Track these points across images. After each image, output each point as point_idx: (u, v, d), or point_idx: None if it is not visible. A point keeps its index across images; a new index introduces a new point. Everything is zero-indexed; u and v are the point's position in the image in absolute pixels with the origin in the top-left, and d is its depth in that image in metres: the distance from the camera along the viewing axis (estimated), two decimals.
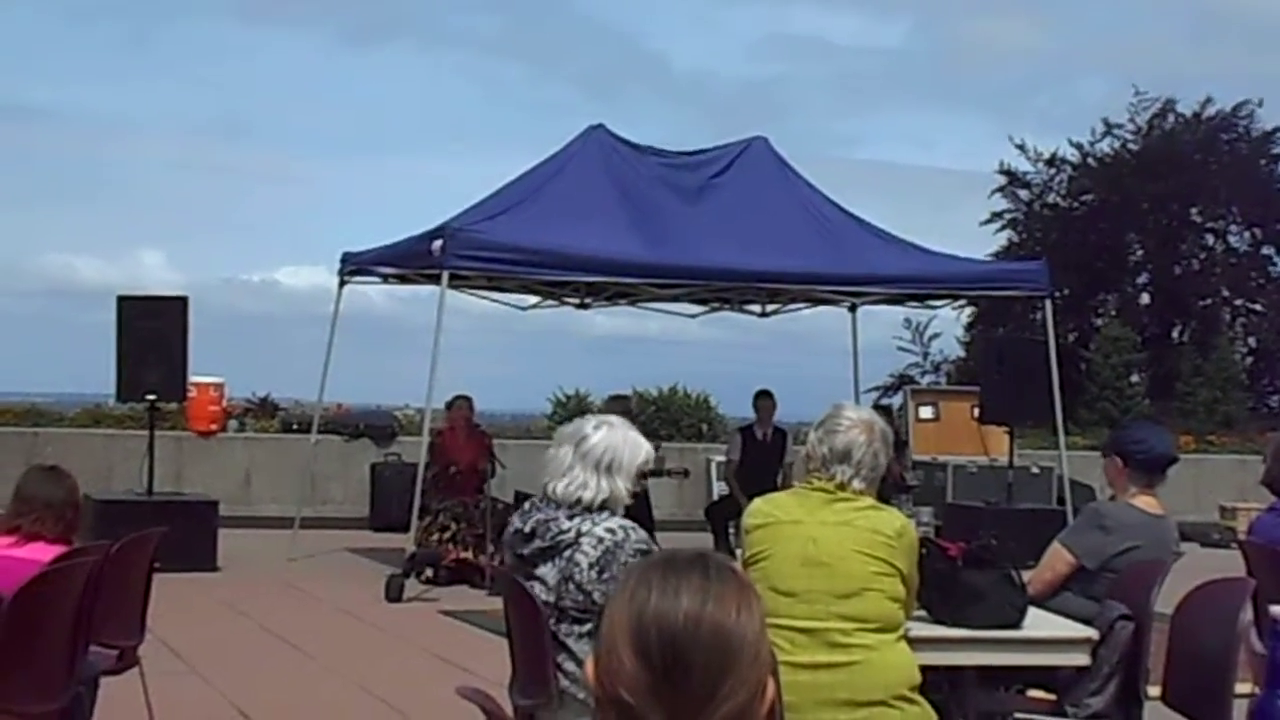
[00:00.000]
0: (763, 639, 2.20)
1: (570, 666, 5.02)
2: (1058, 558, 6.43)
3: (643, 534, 5.24)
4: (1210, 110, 32.15)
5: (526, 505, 5.36)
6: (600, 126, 15.42)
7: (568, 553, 5.11)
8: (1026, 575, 6.07)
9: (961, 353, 32.15)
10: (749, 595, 2.21)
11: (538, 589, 5.13)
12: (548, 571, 5.14)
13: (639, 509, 16.09)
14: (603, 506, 5.17)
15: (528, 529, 5.22)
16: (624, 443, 5.28)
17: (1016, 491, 16.11)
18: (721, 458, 17.10)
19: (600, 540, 5.09)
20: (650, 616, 2.15)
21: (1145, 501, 6.45)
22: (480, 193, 15.10)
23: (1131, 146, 32.42)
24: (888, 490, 14.78)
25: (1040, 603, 6.11)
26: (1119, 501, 6.53)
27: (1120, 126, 32.48)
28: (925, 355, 31.84)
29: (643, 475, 5.37)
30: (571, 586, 5.06)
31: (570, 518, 5.15)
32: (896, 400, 24.38)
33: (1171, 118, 32.36)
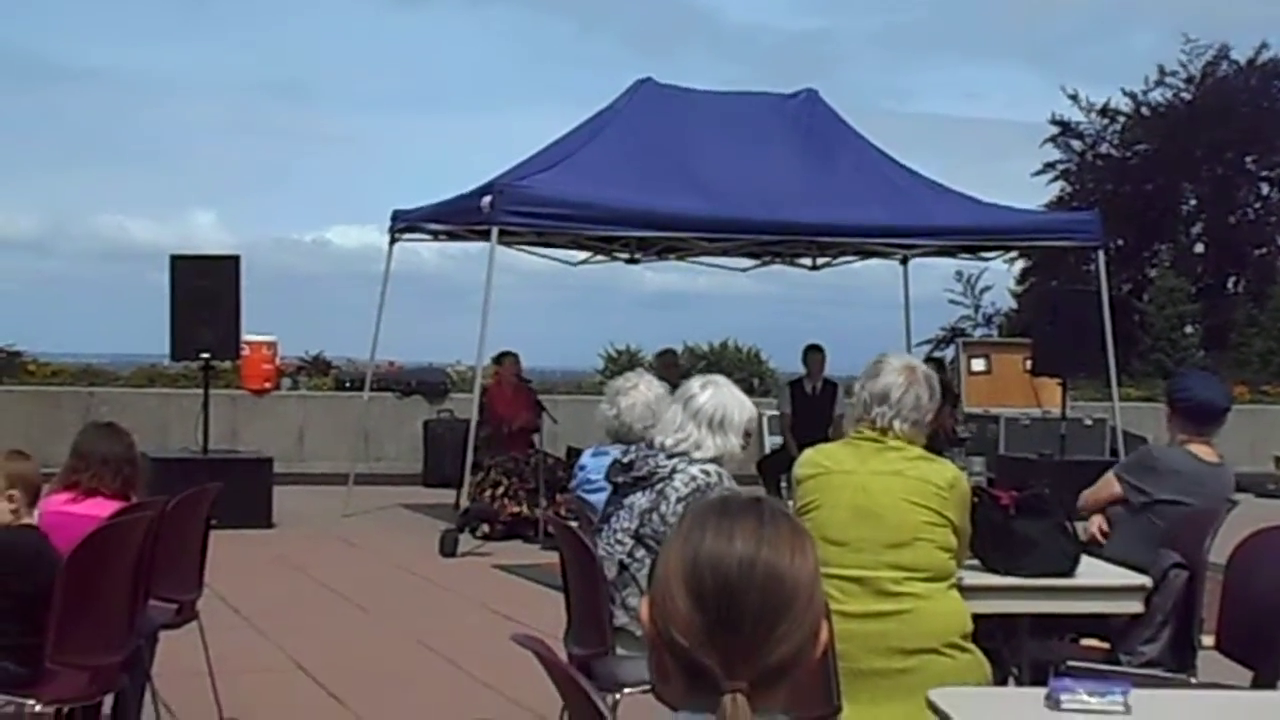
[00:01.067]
0: (816, 583, 2.21)
1: (634, 601, 5.10)
2: (1107, 485, 6.56)
3: (733, 483, 5.35)
4: (1265, 56, 31.84)
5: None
6: (648, 80, 15.40)
7: (659, 485, 5.31)
8: (1079, 526, 6.07)
9: (1013, 305, 32.02)
10: (803, 539, 2.22)
11: (622, 516, 5.26)
12: (637, 499, 5.34)
13: None
14: (713, 462, 5.33)
15: (626, 460, 5.45)
16: (732, 400, 5.43)
17: (1069, 443, 16.05)
18: (773, 411, 17.11)
19: (694, 478, 5.28)
20: (705, 559, 2.16)
21: (1201, 449, 6.42)
22: (529, 149, 15.14)
23: (1185, 95, 32.13)
24: (940, 443, 14.83)
25: (1093, 543, 6.12)
26: (1173, 446, 6.51)
27: (1174, 74, 32.21)
28: (977, 308, 31.76)
29: (747, 434, 5.50)
30: (655, 516, 5.22)
31: (669, 457, 5.35)
32: (949, 353, 24.33)
33: (1225, 65, 32.04)
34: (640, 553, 5.16)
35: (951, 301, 31.26)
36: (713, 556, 2.16)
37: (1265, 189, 32.93)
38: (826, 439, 8.87)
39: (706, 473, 5.31)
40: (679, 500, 5.20)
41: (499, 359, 14.90)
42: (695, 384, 5.53)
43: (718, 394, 5.44)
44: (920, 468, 5.10)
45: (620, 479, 5.43)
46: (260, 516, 13.83)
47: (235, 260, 14.56)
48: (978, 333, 30.63)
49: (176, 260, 14.36)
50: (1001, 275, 31.90)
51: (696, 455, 5.33)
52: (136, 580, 5.83)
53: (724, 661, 2.15)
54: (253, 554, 12.15)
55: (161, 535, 6.10)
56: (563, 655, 5.40)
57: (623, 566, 5.17)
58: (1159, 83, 32.34)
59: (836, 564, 5.01)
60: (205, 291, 14.09)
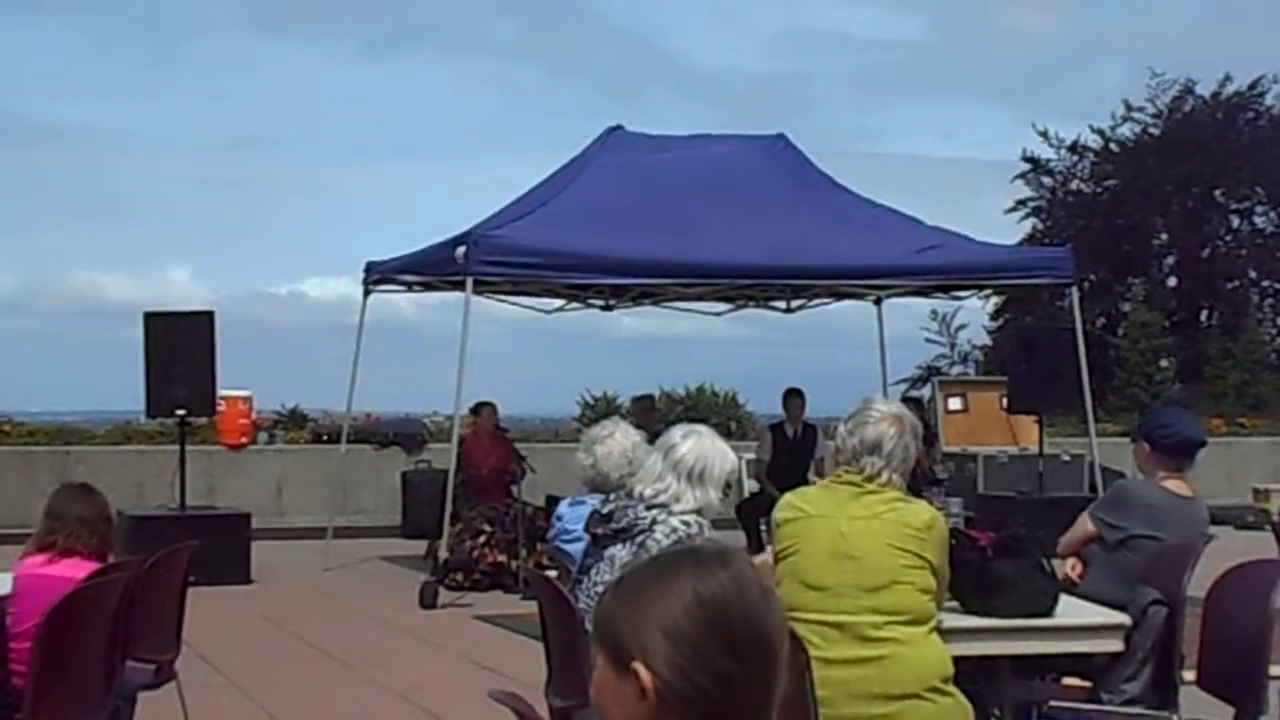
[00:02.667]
0: (784, 624, 2.29)
1: None
2: (1082, 525, 6.62)
3: (714, 534, 5.35)
4: (1229, 89, 32.06)
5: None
6: (619, 127, 15.48)
7: (640, 537, 5.27)
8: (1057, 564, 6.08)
9: (989, 342, 32.09)
10: (770, 587, 2.33)
11: (602, 568, 5.24)
12: (617, 551, 5.30)
13: None
14: (694, 513, 5.35)
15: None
16: (714, 451, 5.41)
17: (1048, 480, 16.07)
18: (751, 455, 17.09)
19: (674, 530, 5.27)
20: (736, 610, 2.19)
21: (1175, 484, 6.46)
22: (504, 197, 15.19)
23: (1152, 130, 32.34)
24: (918, 483, 14.83)
25: (1068, 585, 6.13)
26: (1147, 482, 6.54)
27: (1140, 110, 32.43)
28: (953, 346, 31.83)
29: (728, 485, 5.50)
30: None
31: (648, 509, 5.31)
32: (925, 392, 24.36)
33: (1191, 100, 32.26)
34: None
35: (928, 340, 31.35)
36: (742, 607, 2.20)
37: (1235, 221, 33.12)
38: (806, 482, 8.88)
39: (687, 524, 5.29)
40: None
41: (476, 409, 14.89)
42: (677, 434, 5.50)
43: (699, 444, 5.42)
44: (898, 510, 5.10)
45: (599, 530, 5.40)
46: (239, 572, 13.75)
47: (209, 315, 14.53)
48: (954, 371, 30.70)
49: (150, 317, 14.32)
50: (977, 313, 32.00)
51: (676, 508, 5.31)
52: (114, 641, 5.81)
53: (756, 705, 2.20)
54: (232, 611, 12.08)
55: (139, 595, 6.08)
56: (543, 707, 5.38)
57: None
58: (1126, 118, 32.58)
59: (816, 609, 5.00)
60: (179, 347, 14.05)
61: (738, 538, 14.91)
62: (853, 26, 75.41)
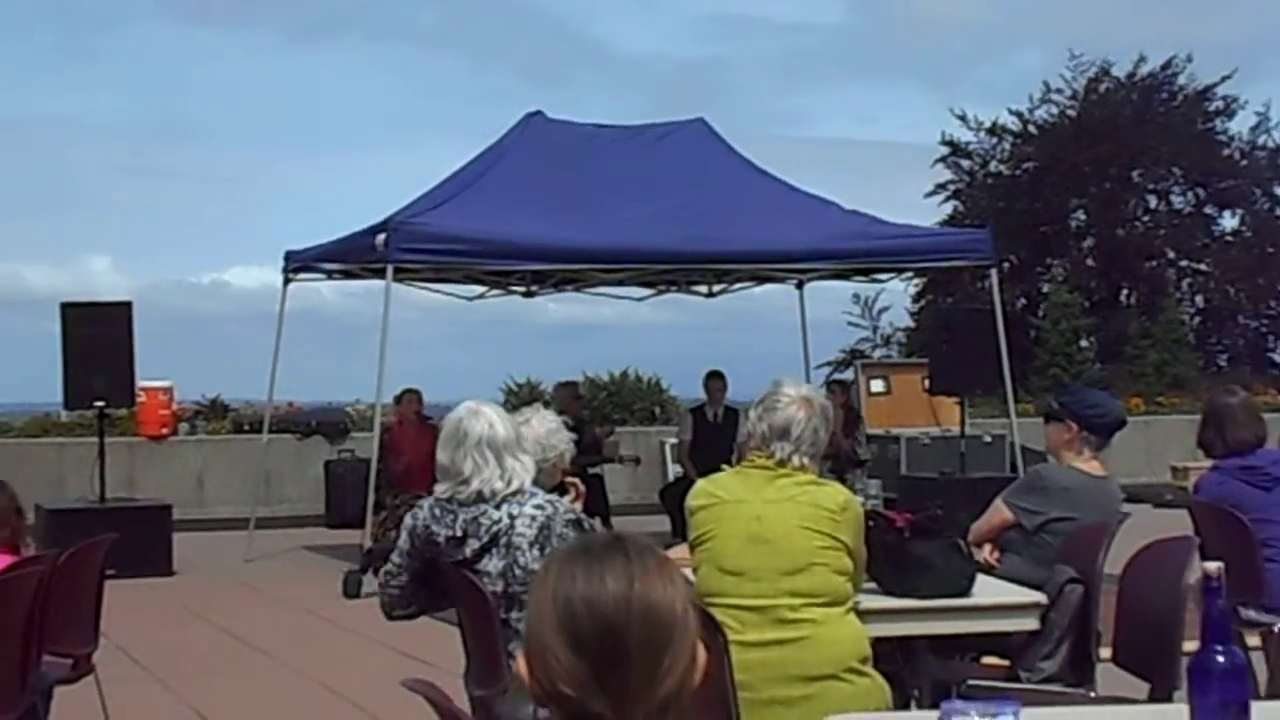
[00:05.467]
0: (689, 609, 2.22)
1: None
2: (997, 512, 6.58)
3: (568, 505, 5.26)
4: (1144, 70, 32.35)
5: (435, 510, 5.29)
6: (538, 113, 15.46)
7: (504, 539, 5.12)
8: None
9: (911, 324, 32.25)
10: (669, 568, 2.24)
11: (485, 583, 5.14)
12: (490, 564, 5.14)
13: (593, 493, 16.10)
14: (521, 487, 5.18)
15: (459, 533, 5.20)
16: (502, 415, 5.29)
17: (970, 461, 16.18)
18: (674, 440, 17.13)
19: (533, 518, 5.12)
20: (580, 604, 2.16)
21: (1091, 465, 6.51)
22: (427, 185, 15.11)
23: (1070, 112, 32.58)
24: (841, 465, 14.92)
25: (986, 569, 6.18)
26: (1060, 465, 6.59)
27: (1058, 92, 32.67)
28: (875, 329, 31.94)
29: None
30: (517, 571, 5.07)
31: (498, 506, 5.16)
32: (848, 375, 24.46)
33: (1107, 81, 32.52)
34: (516, 611, 5.06)
35: (850, 323, 31.46)
36: (587, 600, 2.16)
37: (1153, 201, 33.43)
38: (729, 465, 8.91)
39: (540, 506, 5.14)
40: (531, 544, 5.07)
41: (400, 397, 14.84)
42: (462, 420, 5.25)
43: (489, 414, 5.25)
44: (811, 493, 5.12)
45: (463, 554, 5.18)
46: (160, 564, 13.66)
47: (127, 306, 14.41)
48: (877, 354, 30.80)
49: (67, 308, 14.18)
50: (899, 295, 32.15)
51: (514, 489, 5.15)
52: (29, 636, 5.75)
53: (614, 705, 2.14)
54: (153, 603, 12.00)
55: (54, 589, 6.02)
56: (464, 695, 5.37)
57: (505, 624, 5.11)
58: (1044, 100, 32.79)
59: (734, 594, 5.02)
60: (98, 338, 13.94)
61: (662, 522, 14.95)
62: (774, 11, 75.66)
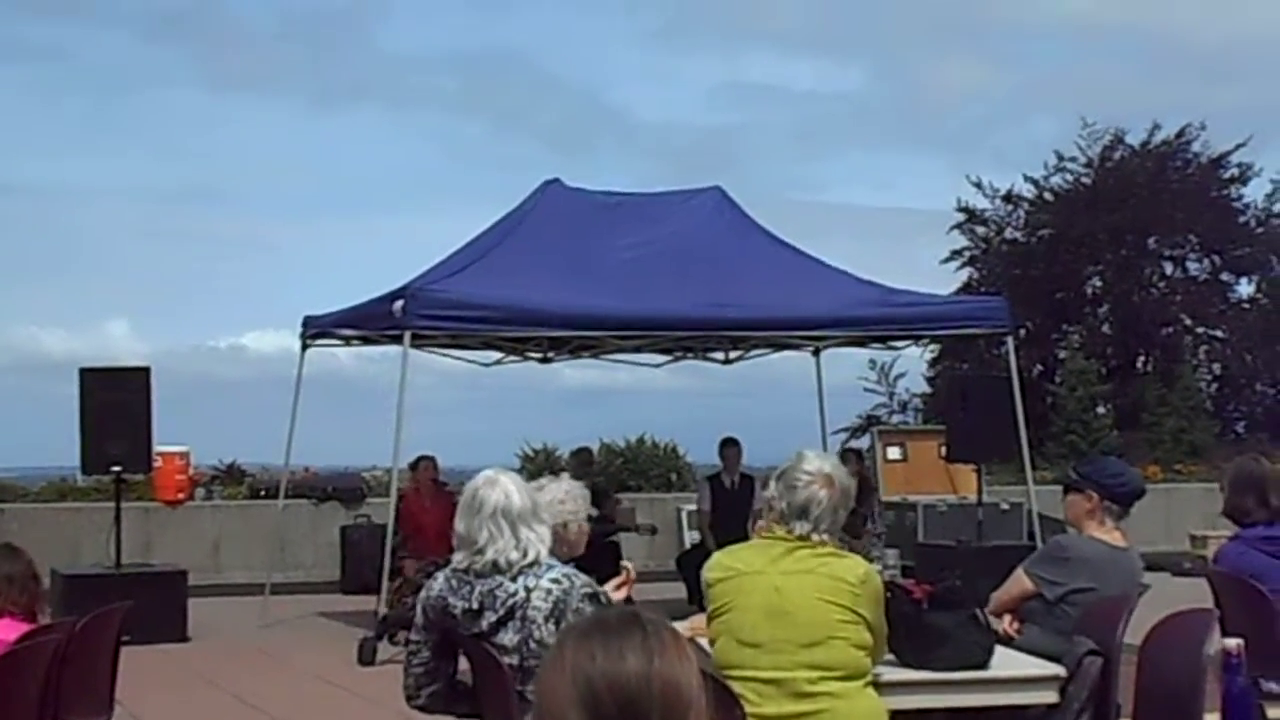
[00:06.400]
0: (702, 683, 2.23)
1: None
2: (1018, 583, 6.55)
3: (585, 579, 5.24)
4: (1158, 138, 32.43)
5: (452, 580, 5.30)
6: (555, 181, 15.52)
7: (520, 613, 5.10)
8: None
9: (928, 389, 32.22)
10: (684, 644, 2.25)
11: (500, 656, 5.12)
12: (506, 637, 5.13)
13: (609, 561, 16.04)
14: (537, 558, 5.17)
15: (475, 605, 5.20)
16: (519, 484, 5.29)
17: (987, 529, 16.10)
18: (691, 506, 17.07)
19: (549, 592, 5.10)
20: (601, 682, 2.16)
21: (1112, 535, 6.49)
22: (446, 251, 15.15)
23: (1085, 180, 32.64)
24: (856, 530, 14.84)
25: (1006, 640, 6.14)
26: (1082, 535, 6.57)
27: (1073, 160, 32.74)
28: (891, 395, 31.89)
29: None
30: (532, 644, 5.06)
31: (514, 579, 5.15)
32: (865, 441, 24.41)
33: (1121, 149, 32.60)
34: (531, 684, 5.03)
35: (866, 389, 31.42)
36: (608, 677, 2.16)
37: (1169, 268, 33.42)
38: (747, 533, 8.86)
39: (557, 580, 5.13)
40: (547, 618, 5.05)
41: (416, 463, 14.83)
42: (480, 485, 5.28)
43: (507, 483, 5.26)
44: (831, 565, 5.10)
45: (479, 628, 5.19)
46: (175, 630, 13.62)
47: (145, 371, 14.44)
48: (894, 419, 30.76)
49: (85, 373, 14.21)
50: (915, 361, 32.12)
51: (530, 559, 5.15)
52: (44, 704, 5.74)
53: None
54: (167, 670, 11.96)
55: (70, 657, 6.01)
56: None
57: (521, 696, 5.08)
58: (1059, 168, 32.87)
59: (752, 666, 4.99)
60: (116, 403, 13.96)
61: (678, 589, 14.89)
62: (790, 80, 75.85)
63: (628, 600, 5.52)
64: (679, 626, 5.74)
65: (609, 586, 5.86)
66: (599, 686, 2.15)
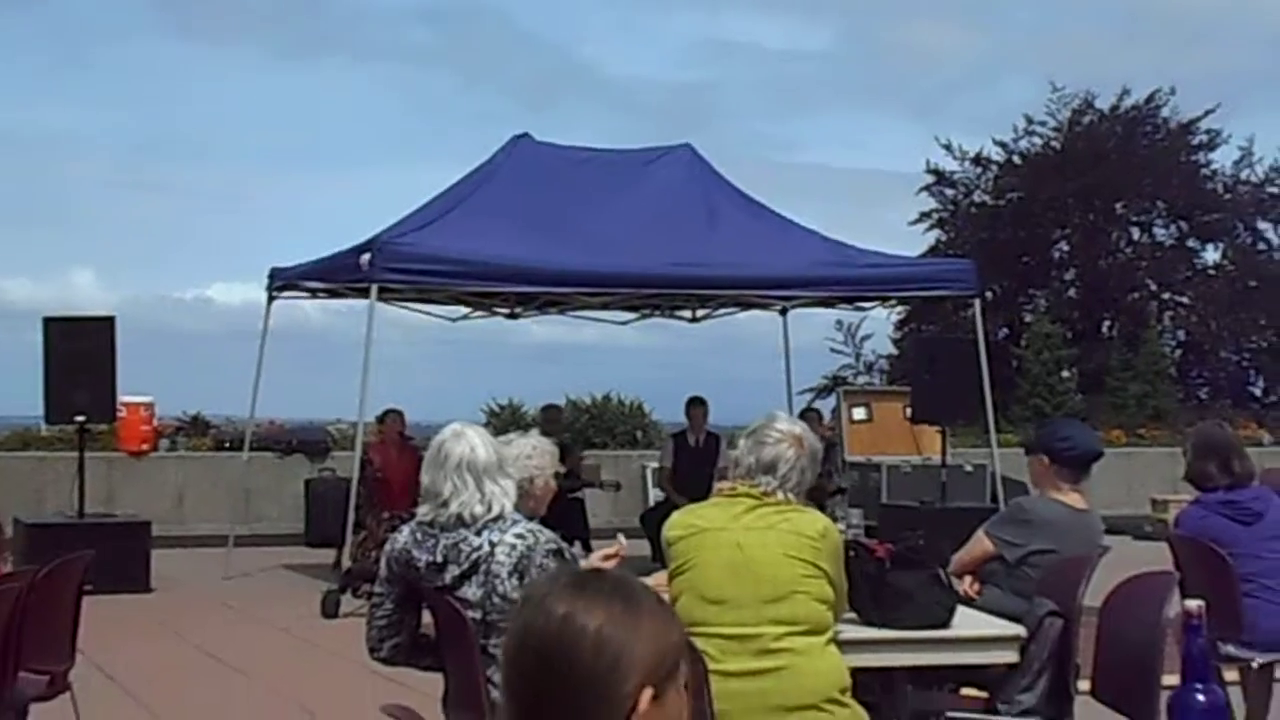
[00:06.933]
0: (632, 648, 2.16)
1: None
2: (979, 544, 6.60)
3: (550, 534, 5.25)
4: (1127, 103, 32.48)
5: (416, 534, 5.31)
6: (525, 135, 15.48)
7: (484, 567, 5.12)
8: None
9: (894, 351, 32.31)
10: (636, 606, 2.20)
11: (464, 609, 5.14)
12: (470, 591, 5.14)
13: (574, 517, 16.09)
14: (501, 512, 5.18)
15: (439, 559, 5.21)
16: (485, 437, 5.29)
17: (950, 490, 16.16)
18: (656, 464, 17.11)
19: (513, 547, 5.12)
20: (527, 634, 2.19)
21: (1071, 497, 6.53)
22: (414, 204, 15.11)
23: (1054, 144, 32.70)
24: (819, 494, 14.89)
25: (966, 600, 6.18)
26: (1042, 497, 6.61)
27: (1042, 124, 32.78)
28: (858, 356, 32.01)
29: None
30: (496, 599, 5.07)
31: (478, 533, 5.16)
32: (830, 401, 24.47)
33: (1091, 113, 32.65)
34: (494, 638, 5.05)
35: (833, 350, 31.52)
36: (532, 629, 2.18)
37: (1136, 233, 33.53)
38: (710, 491, 8.89)
39: (521, 535, 5.15)
40: (510, 574, 5.07)
41: (382, 417, 14.83)
42: (446, 438, 5.28)
43: (472, 437, 5.27)
44: (792, 520, 5.12)
45: (443, 580, 5.20)
46: (138, 581, 13.60)
47: (110, 321, 14.38)
48: (860, 381, 30.84)
49: (49, 322, 14.16)
50: (882, 323, 32.23)
51: (494, 514, 5.16)
52: (4, 653, 5.74)
53: None
54: (130, 620, 11.95)
55: (32, 605, 6.00)
56: None
57: (484, 650, 5.10)
58: (1028, 131, 32.91)
59: (715, 622, 5.01)
60: (80, 353, 13.90)
61: (642, 546, 14.92)
62: (763, 37, 75.77)
63: None
64: (595, 558, 5.78)
65: (596, 556, 5.89)
66: (525, 639, 2.18)
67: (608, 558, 5.85)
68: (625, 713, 2.15)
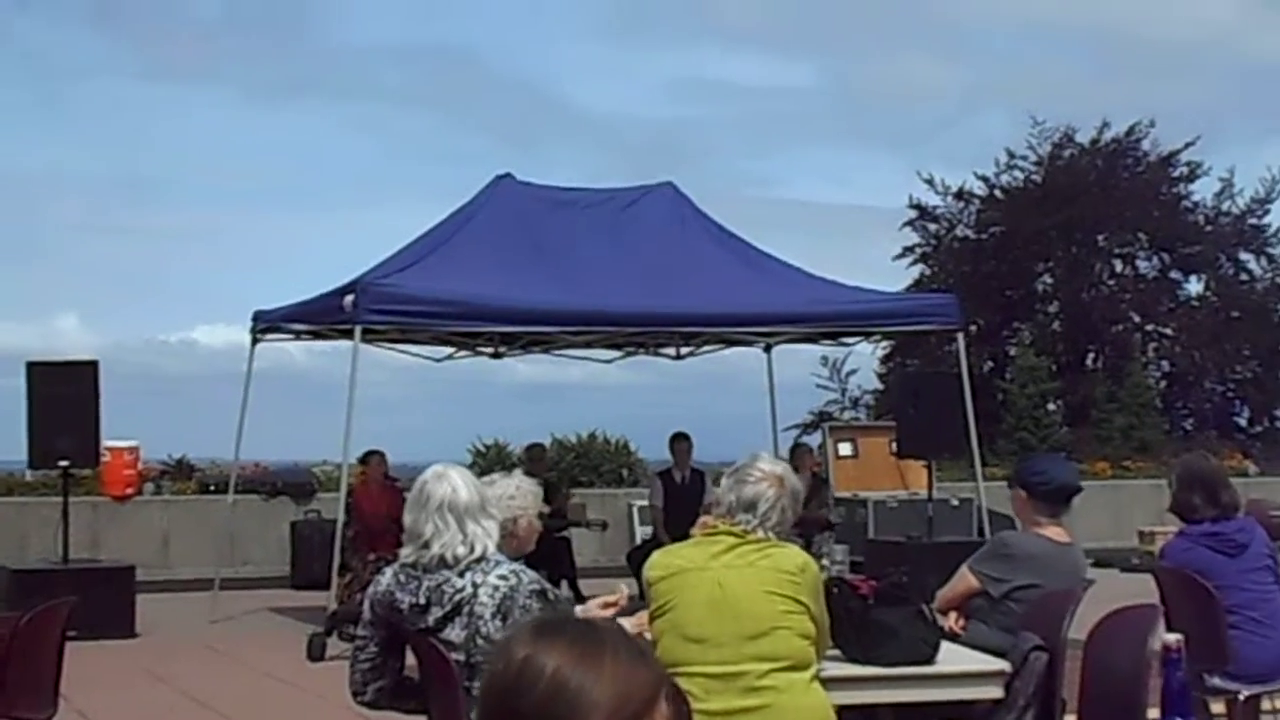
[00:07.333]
0: (591, 689, 2.15)
1: None
2: (963, 579, 6.59)
3: (533, 575, 5.24)
4: (1107, 136, 32.59)
5: (399, 575, 5.31)
6: (507, 175, 15.49)
7: (467, 609, 5.10)
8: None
9: (879, 386, 32.32)
10: (604, 651, 2.18)
11: (447, 651, 5.12)
12: (453, 633, 5.13)
13: (560, 556, 16.04)
14: (484, 554, 5.17)
15: (422, 601, 5.20)
16: (468, 478, 5.29)
17: (937, 524, 16.14)
18: (642, 501, 17.08)
19: (496, 588, 5.11)
20: (493, 677, 2.20)
21: (1053, 531, 6.53)
22: (397, 245, 15.11)
23: (1035, 177, 32.79)
24: (809, 530, 14.89)
25: (951, 636, 6.17)
26: (1026, 532, 6.61)
27: (1023, 158, 32.88)
28: (843, 391, 32.01)
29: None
30: (479, 640, 5.06)
31: (461, 574, 5.15)
32: (816, 438, 24.47)
33: (1071, 147, 32.75)
34: (477, 680, 5.03)
35: (818, 385, 31.52)
36: (495, 672, 2.20)
37: (1118, 266, 33.59)
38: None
39: (504, 577, 5.14)
40: (494, 615, 5.06)
41: (365, 458, 14.81)
42: (428, 480, 5.28)
43: (455, 478, 5.27)
44: (772, 556, 5.12)
45: (425, 623, 5.20)
46: (123, 626, 13.54)
47: (93, 365, 14.34)
48: (846, 416, 30.84)
49: (33, 366, 14.12)
50: (867, 358, 32.24)
51: (476, 555, 5.16)
52: None
53: None
54: (114, 665, 11.90)
55: (15, 652, 5.97)
56: None
57: (467, 692, 5.08)
58: (1010, 165, 32.99)
59: (699, 661, 5.00)
60: (64, 397, 13.86)
61: (630, 584, 14.88)
62: (741, 75, 75.87)
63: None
64: (594, 606, 5.76)
65: (595, 603, 5.86)
66: (490, 683, 2.19)
67: (607, 605, 5.81)
68: None
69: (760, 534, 5.15)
